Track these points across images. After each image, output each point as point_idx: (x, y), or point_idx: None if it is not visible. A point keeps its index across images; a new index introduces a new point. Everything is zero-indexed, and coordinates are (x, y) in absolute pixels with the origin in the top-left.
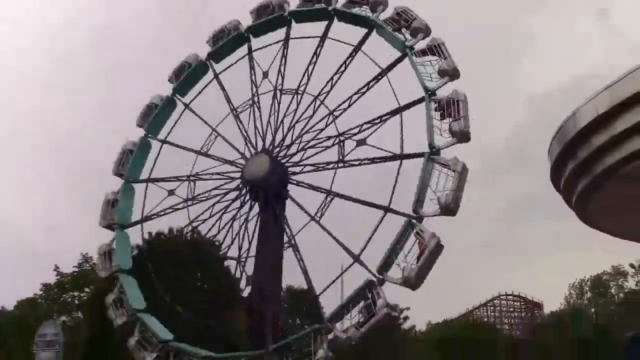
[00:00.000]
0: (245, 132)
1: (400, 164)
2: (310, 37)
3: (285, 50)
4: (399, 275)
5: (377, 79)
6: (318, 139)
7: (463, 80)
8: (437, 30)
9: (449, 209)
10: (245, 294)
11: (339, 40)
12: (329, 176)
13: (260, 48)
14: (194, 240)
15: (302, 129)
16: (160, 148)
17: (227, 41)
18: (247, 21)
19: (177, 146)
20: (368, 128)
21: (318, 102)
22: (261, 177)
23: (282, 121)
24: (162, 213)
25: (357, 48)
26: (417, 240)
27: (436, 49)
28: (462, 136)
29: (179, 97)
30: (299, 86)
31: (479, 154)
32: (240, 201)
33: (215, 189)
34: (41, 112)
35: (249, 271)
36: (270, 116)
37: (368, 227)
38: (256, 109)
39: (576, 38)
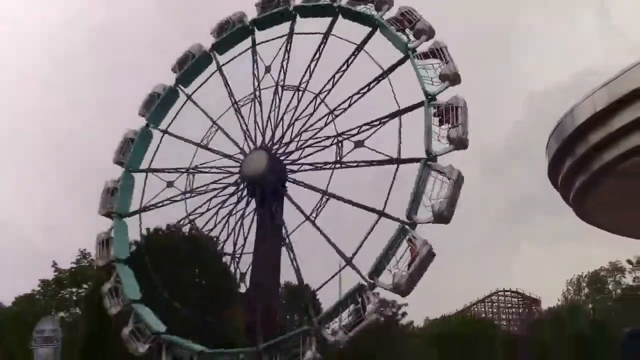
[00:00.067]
0: (246, 126)
1: (397, 168)
2: (314, 34)
3: (289, 45)
4: (390, 281)
5: (378, 80)
6: (317, 138)
7: (463, 79)
8: (437, 28)
9: (442, 217)
10: (239, 290)
11: (342, 38)
12: (327, 175)
13: (264, 42)
14: (192, 236)
15: (302, 127)
16: (161, 138)
17: (231, 33)
18: (252, 14)
19: (178, 137)
20: (367, 129)
21: (318, 100)
22: (259, 174)
23: (282, 118)
24: (160, 204)
25: (359, 47)
26: (409, 247)
27: (438, 53)
28: (460, 143)
29: (181, 87)
30: (300, 83)
31: (479, 153)
32: (237, 197)
33: (213, 182)
34: (41, 112)
35: (243, 268)
36: (270, 112)
37: (363, 228)
38: (257, 104)
39: (576, 37)
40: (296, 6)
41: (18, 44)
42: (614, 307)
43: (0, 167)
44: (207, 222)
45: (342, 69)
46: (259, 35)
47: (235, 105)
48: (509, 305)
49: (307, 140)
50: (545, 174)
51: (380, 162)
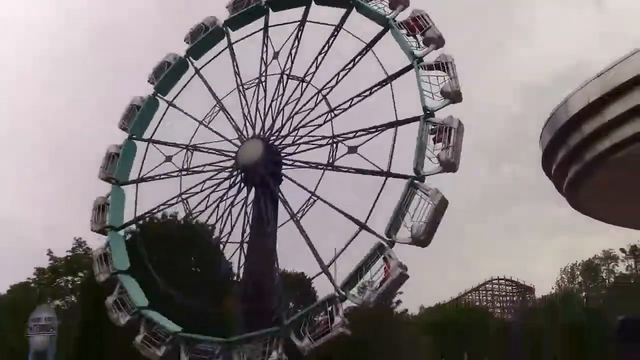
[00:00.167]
0: (247, 110)
1: (385, 181)
2: (326, 24)
3: (300, 33)
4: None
5: (381, 85)
6: (313, 136)
7: (459, 75)
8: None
9: (419, 241)
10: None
11: (352, 34)
12: (318, 174)
13: (276, 25)
14: (187, 224)
15: (301, 121)
16: (166, 109)
17: (246, 10)
18: None
19: (182, 111)
20: (363, 134)
21: (320, 96)
22: (253, 163)
23: (282, 108)
24: (157, 177)
25: (368, 46)
26: (384, 266)
27: (444, 66)
28: (448, 166)
29: (191, 59)
30: (305, 75)
31: (477, 146)
32: (229, 182)
33: (209, 164)
34: (41, 112)
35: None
36: (273, 100)
37: (347, 233)
38: (262, 90)
39: (572, 29)
40: None
41: (18, 44)
42: (608, 295)
43: (0, 167)
44: (198, 204)
45: (348, 67)
46: (273, 17)
47: (240, 87)
48: (503, 293)
49: (303, 137)
50: (539, 163)
51: (370, 172)
